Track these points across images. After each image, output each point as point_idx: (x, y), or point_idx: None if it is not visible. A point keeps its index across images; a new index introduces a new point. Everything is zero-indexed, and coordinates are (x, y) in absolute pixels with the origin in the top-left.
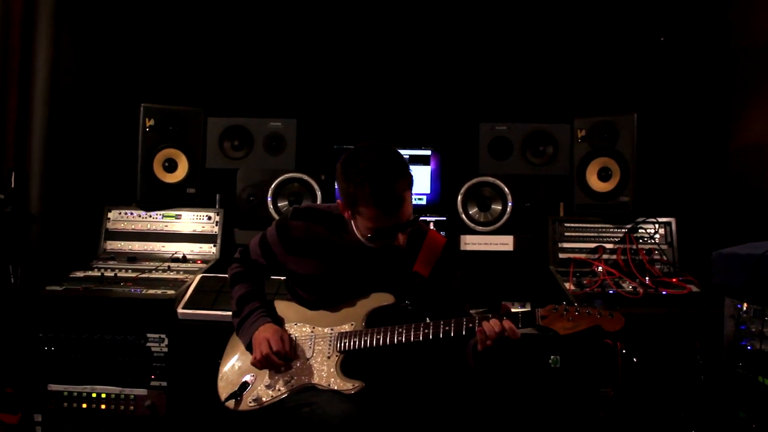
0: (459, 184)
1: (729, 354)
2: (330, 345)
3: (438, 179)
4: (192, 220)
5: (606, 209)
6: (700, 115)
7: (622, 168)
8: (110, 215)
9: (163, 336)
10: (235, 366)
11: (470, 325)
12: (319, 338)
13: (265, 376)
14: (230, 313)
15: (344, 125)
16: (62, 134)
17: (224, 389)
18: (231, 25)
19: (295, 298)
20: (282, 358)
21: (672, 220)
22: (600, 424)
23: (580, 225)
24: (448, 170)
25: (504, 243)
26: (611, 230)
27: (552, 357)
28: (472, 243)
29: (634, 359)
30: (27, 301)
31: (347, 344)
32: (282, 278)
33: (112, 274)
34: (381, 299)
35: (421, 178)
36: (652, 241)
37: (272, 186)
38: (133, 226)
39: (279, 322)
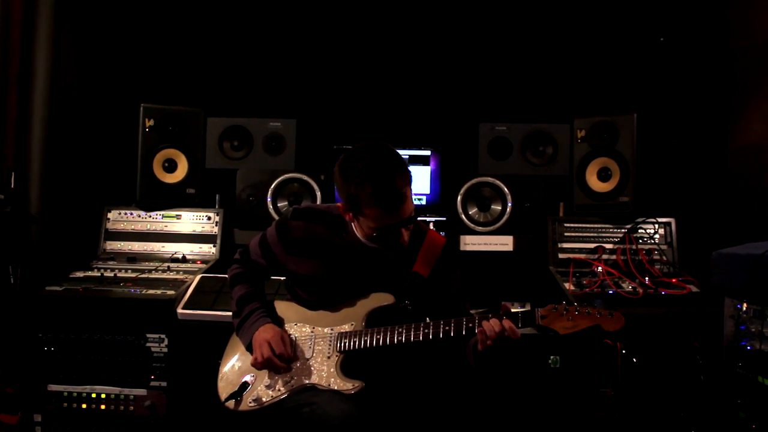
0: (459, 184)
1: (729, 354)
2: (330, 345)
3: (438, 179)
4: (192, 221)
5: (606, 209)
6: (699, 115)
7: (621, 168)
8: (110, 215)
9: (162, 336)
10: (235, 366)
11: (470, 325)
12: (319, 338)
13: (265, 376)
14: (230, 313)
15: (344, 125)
16: (62, 134)
17: (224, 389)
18: (230, 25)
19: (295, 298)
20: (284, 360)
21: (672, 220)
22: (600, 424)
23: (580, 225)
24: (448, 170)
25: (504, 243)
26: (611, 230)
27: (552, 357)
28: (471, 243)
29: (634, 359)
30: (27, 301)
31: (347, 344)
32: (282, 278)
33: (111, 275)
34: (381, 299)
35: (421, 179)
36: (652, 241)
37: (272, 186)
38: (132, 227)
39: (279, 322)
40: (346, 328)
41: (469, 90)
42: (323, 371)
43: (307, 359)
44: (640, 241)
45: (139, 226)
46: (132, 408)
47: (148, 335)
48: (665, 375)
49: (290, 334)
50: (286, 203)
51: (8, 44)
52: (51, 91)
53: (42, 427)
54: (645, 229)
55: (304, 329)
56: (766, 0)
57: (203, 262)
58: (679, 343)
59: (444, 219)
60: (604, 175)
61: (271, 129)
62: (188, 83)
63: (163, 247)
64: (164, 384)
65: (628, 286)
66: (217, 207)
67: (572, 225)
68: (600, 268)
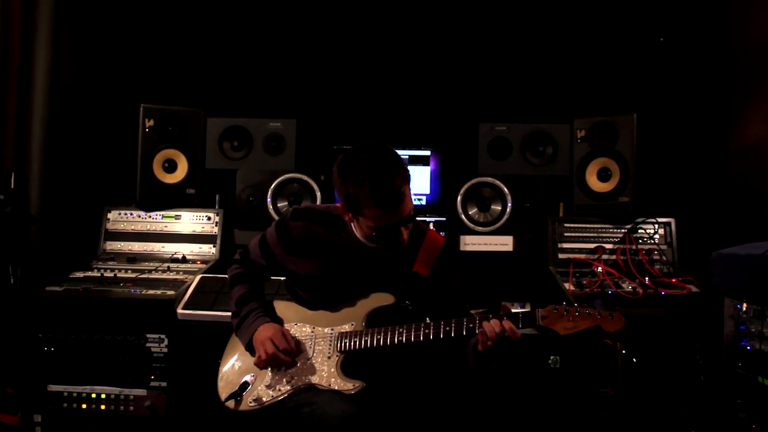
0: (459, 184)
1: (729, 354)
2: (330, 345)
3: (437, 180)
4: (191, 221)
5: (606, 209)
6: (699, 115)
7: (621, 168)
8: (110, 216)
9: (162, 336)
10: (235, 366)
11: (471, 325)
12: (319, 338)
13: (265, 376)
14: (230, 313)
15: (344, 125)
16: (62, 134)
17: (224, 389)
18: (230, 26)
19: (295, 298)
20: (288, 355)
21: (672, 220)
22: (600, 424)
23: (580, 225)
24: (448, 171)
25: (504, 243)
26: (611, 230)
27: (552, 357)
28: (471, 243)
29: (634, 359)
30: (27, 302)
31: (347, 344)
32: (282, 279)
33: (111, 275)
34: (381, 299)
35: (421, 179)
36: (652, 241)
37: (272, 186)
38: (132, 227)
39: (278, 322)
40: (347, 328)
41: (469, 90)
42: (323, 371)
43: (308, 359)
44: (640, 241)
45: (139, 227)
46: (132, 408)
47: (148, 335)
48: (665, 375)
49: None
50: (286, 203)
51: (8, 44)
52: (51, 91)
53: (42, 428)
54: (645, 229)
55: (304, 329)
56: (766, 0)
57: (203, 262)
58: (679, 343)
59: (444, 219)
60: (604, 175)
61: (271, 129)
62: (188, 83)
63: (163, 247)
64: (164, 384)
65: (628, 287)
66: (217, 207)
67: (572, 225)
68: (600, 268)
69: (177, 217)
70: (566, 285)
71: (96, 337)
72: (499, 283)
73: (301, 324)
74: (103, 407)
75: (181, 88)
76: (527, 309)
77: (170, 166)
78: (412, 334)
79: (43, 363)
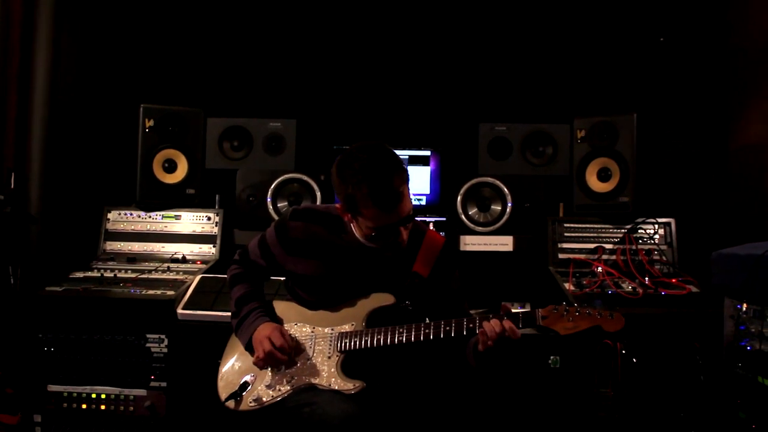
0: (459, 184)
1: (729, 354)
2: (330, 345)
3: (437, 180)
4: (191, 221)
5: (606, 209)
6: (699, 115)
7: (621, 168)
8: (110, 216)
9: (162, 336)
10: (234, 366)
11: (471, 325)
12: (319, 338)
13: (265, 376)
14: (229, 313)
15: (344, 125)
16: (62, 134)
17: (224, 389)
18: (230, 26)
19: (295, 298)
20: (285, 353)
21: (671, 220)
22: (600, 424)
23: (580, 225)
24: (448, 171)
25: (504, 243)
26: (611, 230)
27: (552, 357)
28: (471, 243)
29: (634, 359)
30: (27, 302)
31: (348, 344)
32: (282, 279)
33: (111, 275)
34: (381, 299)
35: (421, 179)
36: (652, 241)
37: (272, 186)
38: (132, 227)
39: (278, 322)
40: (347, 328)
41: (469, 90)
42: (324, 371)
43: (308, 359)
44: (640, 241)
45: (139, 227)
46: (132, 408)
47: (148, 335)
48: (665, 375)
49: (290, 333)
50: (286, 203)
51: (8, 44)
52: (51, 91)
53: (42, 428)
54: (645, 230)
55: (304, 329)
56: (766, 0)
57: (203, 262)
58: (679, 344)
59: (444, 219)
60: (604, 175)
61: (271, 129)
62: (188, 83)
63: (162, 247)
64: (164, 384)
65: (627, 287)
66: (217, 207)
67: (572, 225)
68: (600, 268)
69: (177, 218)
70: (566, 285)
71: (96, 337)
72: (499, 283)
73: (301, 324)
74: (103, 407)
75: (181, 88)
76: (527, 309)
77: (170, 166)
78: (413, 334)
79: (43, 363)
